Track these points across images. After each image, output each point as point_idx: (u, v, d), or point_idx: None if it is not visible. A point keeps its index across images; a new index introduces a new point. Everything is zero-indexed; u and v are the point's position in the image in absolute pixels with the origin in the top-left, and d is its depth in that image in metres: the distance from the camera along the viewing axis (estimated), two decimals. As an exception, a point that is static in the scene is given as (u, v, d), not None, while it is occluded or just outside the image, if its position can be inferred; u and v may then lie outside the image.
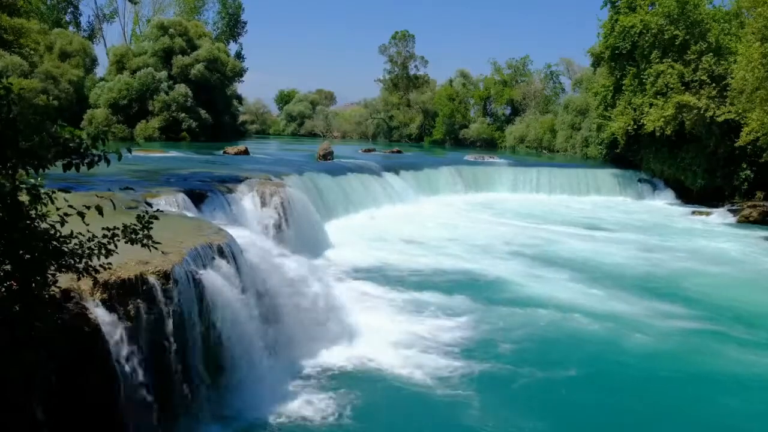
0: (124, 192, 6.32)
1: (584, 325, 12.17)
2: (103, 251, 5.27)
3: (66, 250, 5.08)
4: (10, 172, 4.72)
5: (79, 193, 11.19)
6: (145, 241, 5.47)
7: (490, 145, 60.12)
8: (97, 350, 6.15)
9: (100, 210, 4.96)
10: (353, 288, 13.73)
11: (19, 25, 27.27)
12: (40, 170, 4.80)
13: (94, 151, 4.87)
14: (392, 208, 25.11)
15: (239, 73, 57.49)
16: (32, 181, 4.79)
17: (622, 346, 11.20)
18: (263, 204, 16.02)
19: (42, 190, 4.79)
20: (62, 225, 4.99)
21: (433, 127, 67.39)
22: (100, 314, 6.27)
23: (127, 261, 6.82)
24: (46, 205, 4.84)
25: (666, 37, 30.96)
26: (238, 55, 66.69)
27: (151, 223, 5.52)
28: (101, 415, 6.20)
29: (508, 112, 65.12)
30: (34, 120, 4.79)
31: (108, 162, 4.89)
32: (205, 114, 49.96)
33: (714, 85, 29.62)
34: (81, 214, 4.92)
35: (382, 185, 26.87)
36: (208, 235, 9.21)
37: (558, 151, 51.52)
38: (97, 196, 5.04)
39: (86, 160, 4.85)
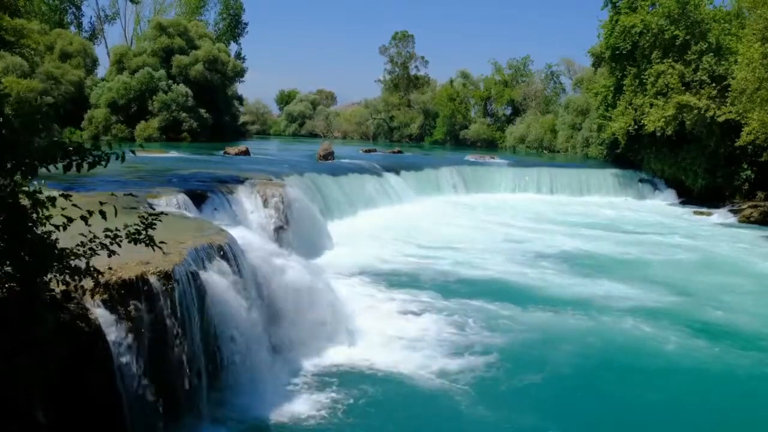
0: (128, 195, 6.35)
1: (587, 324, 12.18)
2: (106, 252, 5.27)
3: (68, 251, 5.07)
4: (9, 175, 4.71)
5: (79, 194, 11.19)
6: (148, 241, 5.47)
7: (490, 146, 60.09)
8: (98, 350, 6.16)
9: (103, 214, 4.97)
10: (354, 288, 13.72)
11: (20, 26, 27.31)
12: (41, 172, 4.79)
13: (95, 152, 4.86)
14: (393, 208, 25.08)
15: (240, 74, 57.38)
16: (34, 184, 4.79)
17: (628, 348, 11.20)
18: (264, 204, 16.03)
19: (45, 193, 4.79)
20: (64, 230, 4.99)
21: (433, 128, 67.37)
22: (101, 314, 6.27)
23: (127, 261, 6.82)
24: (47, 208, 4.83)
25: (666, 37, 30.96)
26: (239, 56, 66.62)
27: (154, 224, 5.52)
28: (102, 416, 6.20)
29: (508, 112, 65.07)
30: (32, 121, 4.79)
31: (106, 164, 4.89)
32: (206, 114, 49.85)
33: (714, 85, 29.60)
34: (84, 218, 4.93)
35: (383, 185, 26.83)
36: (209, 236, 9.22)
37: (559, 152, 51.51)
38: (101, 203, 5.04)
39: (87, 161, 4.84)
